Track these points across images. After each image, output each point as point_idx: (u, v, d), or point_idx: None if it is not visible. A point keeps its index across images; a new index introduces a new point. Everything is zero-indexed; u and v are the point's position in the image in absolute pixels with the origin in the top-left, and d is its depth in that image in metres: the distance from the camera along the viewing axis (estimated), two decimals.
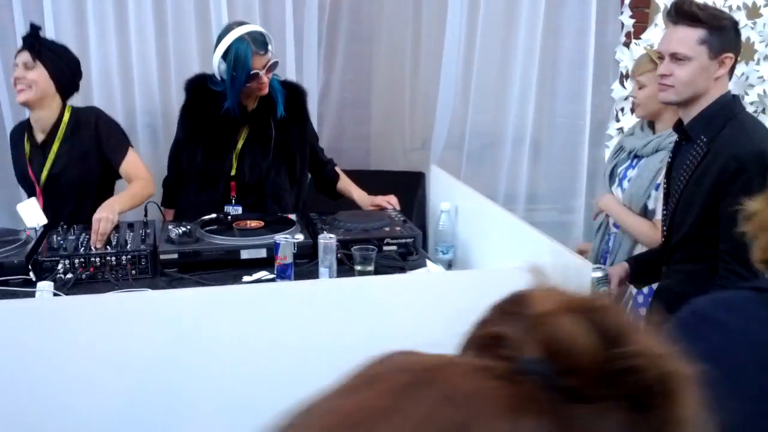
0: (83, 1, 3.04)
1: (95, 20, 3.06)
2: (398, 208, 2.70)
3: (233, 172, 2.65)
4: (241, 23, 2.61)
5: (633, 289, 2.57)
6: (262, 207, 2.66)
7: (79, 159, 2.62)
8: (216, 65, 2.56)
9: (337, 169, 2.93)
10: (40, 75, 2.58)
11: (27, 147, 2.66)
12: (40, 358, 1.54)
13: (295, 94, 2.73)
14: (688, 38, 2.01)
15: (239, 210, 2.66)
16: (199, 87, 2.68)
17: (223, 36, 2.55)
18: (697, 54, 2.00)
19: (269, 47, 2.55)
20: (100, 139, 2.64)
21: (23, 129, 2.71)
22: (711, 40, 2.00)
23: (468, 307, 1.70)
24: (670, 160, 2.22)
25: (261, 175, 2.64)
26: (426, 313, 1.71)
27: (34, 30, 2.61)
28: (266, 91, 2.59)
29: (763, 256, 1.09)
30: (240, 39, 2.51)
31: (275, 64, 2.57)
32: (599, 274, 2.21)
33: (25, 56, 2.56)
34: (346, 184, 2.91)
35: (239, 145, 2.65)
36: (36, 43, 2.59)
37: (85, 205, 2.61)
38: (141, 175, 2.65)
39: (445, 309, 1.72)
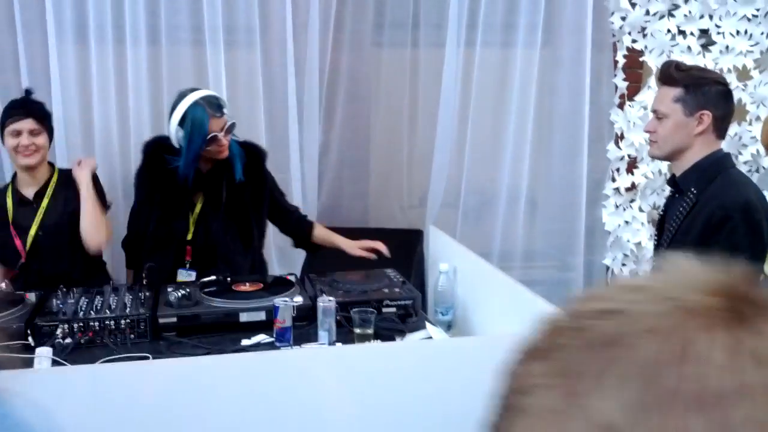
0: (88, 67, 3.11)
1: (97, 82, 3.12)
2: (387, 253, 2.69)
3: (189, 236, 2.65)
4: (194, 89, 2.64)
5: None
6: (215, 271, 2.60)
7: (70, 216, 2.66)
8: (173, 132, 2.58)
9: (313, 221, 2.92)
10: (45, 139, 2.66)
11: (10, 205, 2.67)
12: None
13: (253, 155, 2.74)
14: (666, 97, 2.18)
15: (192, 275, 2.64)
16: (155, 150, 2.69)
17: (177, 103, 2.58)
18: (672, 111, 2.15)
19: (224, 110, 2.59)
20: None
21: (3, 191, 2.72)
22: (686, 99, 2.14)
23: (468, 373, 1.70)
24: (662, 213, 2.30)
25: (213, 239, 2.64)
26: (429, 380, 1.71)
27: (30, 95, 2.69)
28: (226, 153, 2.61)
29: None
30: (195, 104, 2.54)
31: (233, 125, 2.60)
32: None
33: (30, 123, 2.60)
34: (325, 235, 2.87)
35: (197, 209, 2.67)
36: (39, 110, 2.66)
37: (75, 264, 2.66)
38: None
39: (447, 376, 1.72)
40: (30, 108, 2.64)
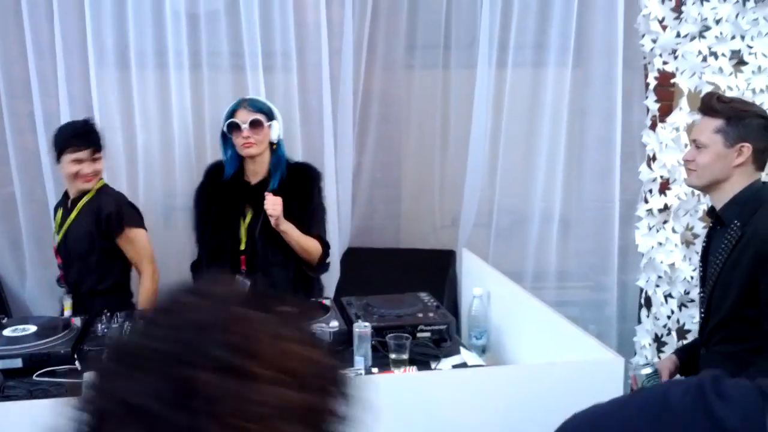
0: (129, 90, 3.20)
1: (139, 107, 3.21)
2: (275, 208, 2.64)
3: (242, 247, 2.75)
4: None
5: None
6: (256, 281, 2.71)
7: (85, 233, 2.81)
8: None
9: None
10: (101, 162, 2.83)
11: (59, 215, 2.88)
12: None
13: (304, 174, 2.84)
14: (707, 127, 2.21)
15: (246, 284, 2.69)
16: (214, 170, 2.87)
17: None
18: (713, 142, 2.18)
19: (263, 112, 2.73)
20: (110, 224, 2.82)
21: (59, 203, 2.94)
22: (727, 130, 2.17)
23: (503, 402, 1.72)
24: (704, 244, 2.31)
25: (255, 250, 2.74)
26: (463, 408, 1.74)
27: (89, 123, 2.83)
28: (251, 151, 2.72)
29: None
30: (237, 101, 2.78)
31: (255, 121, 2.69)
32: (649, 370, 2.24)
33: (88, 153, 2.75)
34: None
35: (248, 220, 2.76)
36: (97, 138, 2.80)
37: (88, 273, 2.82)
38: (141, 263, 2.87)
39: (482, 405, 1.75)
40: (90, 138, 2.78)
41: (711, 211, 2.28)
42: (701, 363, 2.28)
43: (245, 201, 2.76)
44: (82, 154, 2.74)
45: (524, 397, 1.77)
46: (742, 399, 0.91)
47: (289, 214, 2.70)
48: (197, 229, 2.85)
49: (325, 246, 2.84)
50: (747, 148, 2.13)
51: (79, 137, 2.77)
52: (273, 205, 2.63)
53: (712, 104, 2.19)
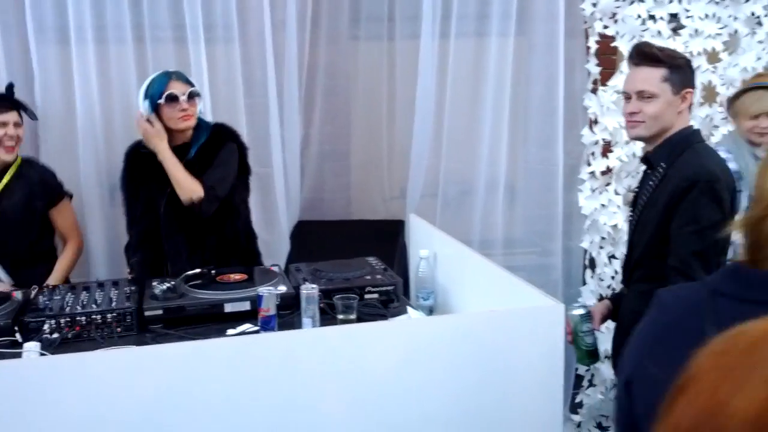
0: (70, 67, 3.12)
1: (81, 82, 3.13)
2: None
3: None
4: None
5: None
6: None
7: (22, 202, 2.76)
8: (141, 106, 2.70)
9: None
10: (22, 129, 2.77)
11: None
12: (26, 418, 1.56)
13: (217, 134, 2.81)
14: (652, 77, 2.19)
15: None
16: (133, 153, 2.81)
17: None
18: (662, 91, 2.18)
19: (192, 84, 2.72)
20: (48, 194, 2.85)
21: None
22: (672, 78, 2.18)
23: (448, 351, 1.74)
24: (636, 190, 2.36)
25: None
26: (409, 358, 1.76)
27: (12, 89, 2.76)
28: (191, 122, 2.69)
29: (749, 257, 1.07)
30: (159, 73, 2.72)
31: (196, 92, 2.71)
32: (582, 311, 2.27)
33: (15, 116, 2.71)
34: None
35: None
36: (21, 103, 2.76)
37: (26, 240, 2.79)
38: (72, 233, 2.93)
39: (427, 354, 1.77)
40: (14, 101, 2.74)
41: (643, 157, 2.32)
42: (622, 302, 2.32)
43: (168, 180, 2.71)
44: (6, 116, 2.69)
45: (468, 345, 1.79)
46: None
47: (203, 173, 2.69)
48: (128, 214, 2.83)
49: (209, 191, 2.67)
50: (690, 94, 2.18)
51: (3, 99, 2.72)
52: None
53: (653, 53, 2.18)
